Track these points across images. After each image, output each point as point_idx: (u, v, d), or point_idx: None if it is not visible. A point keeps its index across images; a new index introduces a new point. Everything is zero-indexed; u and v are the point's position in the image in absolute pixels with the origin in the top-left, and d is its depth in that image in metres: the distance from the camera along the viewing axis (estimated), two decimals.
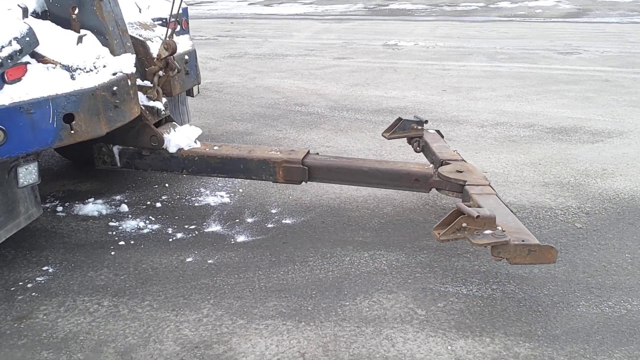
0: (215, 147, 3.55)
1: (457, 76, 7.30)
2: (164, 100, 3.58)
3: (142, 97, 3.44)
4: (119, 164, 3.60)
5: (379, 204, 3.75)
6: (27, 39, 2.66)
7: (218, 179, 4.19)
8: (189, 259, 3.08)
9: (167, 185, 4.09)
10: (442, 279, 2.86)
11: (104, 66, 2.98)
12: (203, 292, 2.76)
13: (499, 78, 7.25)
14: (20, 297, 2.72)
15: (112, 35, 3.17)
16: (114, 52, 3.15)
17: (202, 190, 4.00)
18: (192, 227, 3.45)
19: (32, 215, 2.94)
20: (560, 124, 5.38)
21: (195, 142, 3.58)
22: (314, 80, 7.41)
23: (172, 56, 3.45)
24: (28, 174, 2.70)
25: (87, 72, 2.87)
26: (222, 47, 9.64)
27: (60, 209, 3.68)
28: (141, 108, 3.33)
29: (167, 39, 3.37)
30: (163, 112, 3.54)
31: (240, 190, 4.01)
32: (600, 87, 6.68)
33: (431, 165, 3.45)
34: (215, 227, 3.46)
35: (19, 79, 2.65)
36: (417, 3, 15.47)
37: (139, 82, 3.43)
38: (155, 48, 3.52)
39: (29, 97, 2.60)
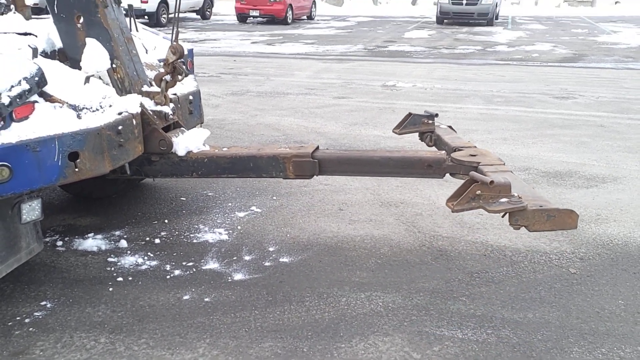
0: (225, 149, 3.54)
1: (454, 118, 7.41)
2: (172, 105, 3.56)
3: (149, 102, 3.44)
4: (128, 172, 3.53)
5: (375, 243, 3.79)
6: (36, 78, 2.74)
7: (217, 215, 4.23)
8: (186, 297, 3.10)
9: (166, 221, 4.12)
10: (437, 322, 2.88)
11: (110, 106, 3.06)
12: (199, 331, 2.78)
13: (495, 121, 7.36)
14: (17, 332, 2.73)
15: (118, 42, 3.25)
16: (120, 59, 3.21)
17: (201, 226, 4.04)
18: (190, 264, 3.48)
19: (33, 251, 2.98)
20: (555, 168, 5.46)
21: (204, 144, 3.57)
22: (313, 119, 7.51)
23: (179, 60, 3.42)
24: (31, 210, 2.74)
25: (93, 111, 2.94)
26: (225, 84, 9.80)
27: (60, 243, 3.71)
28: (149, 113, 3.34)
29: (174, 42, 3.38)
30: (171, 116, 3.52)
31: (239, 227, 4.05)
32: (595, 132, 6.79)
33: (443, 152, 3.40)
34: (212, 265, 3.48)
35: (27, 117, 2.73)
36: (415, 45, 15.75)
37: (145, 88, 3.46)
38: (157, 89, 3.59)
39: (36, 135, 2.67)
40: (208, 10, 23.55)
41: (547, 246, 3.78)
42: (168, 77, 3.44)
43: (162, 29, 18.16)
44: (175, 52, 3.37)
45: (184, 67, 3.46)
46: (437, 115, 3.80)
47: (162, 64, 3.97)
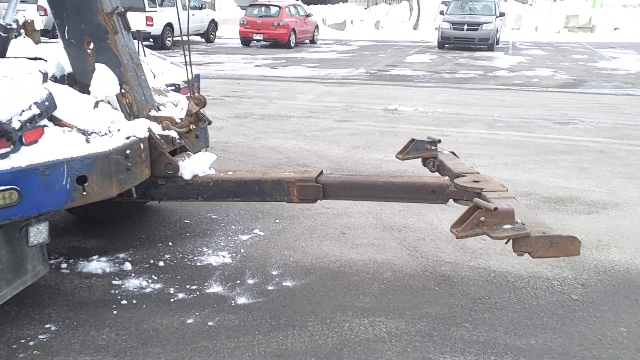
0: (230, 172, 3.58)
1: (455, 142, 7.46)
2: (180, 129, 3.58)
3: (157, 127, 3.48)
4: (134, 195, 3.56)
5: (379, 268, 3.80)
6: (46, 103, 2.79)
7: (220, 238, 4.25)
8: (189, 320, 3.11)
9: (170, 243, 4.15)
10: (441, 348, 2.89)
11: (118, 130, 3.11)
12: (203, 355, 2.79)
13: (496, 146, 7.41)
14: (22, 356, 2.74)
15: (127, 68, 3.31)
16: (129, 84, 3.27)
17: (205, 249, 4.06)
18: (194, 287, 3.50)
19: (38, 273, 3.00)
20: (556, 193, 5.49)
21: (209, 168, 3.62)
22: (316, 142, 7.57)
23: (201, 110, 3.50)
24: (39, 234, 2.77)
25: (101, 135, 2.99)
26: (228, 107, 9.88)
27: (64, 265, 3.73)
28: (156, 137, 3.38)
29: (196, 94, 3.48)
30: (178, 140, 3.57)
31: (242, 250, 4.07)
32: (595, 158, 6.83)
33: (447, 177, 3.46)
34: (216, 288, 3.50)
35: (36, 141, 2.78)
36: (417, 69, 15.89)
37: (153, 112, 3.51)
38: (168, 112, 3.64)
39: (45, 159, 2.71)
40: (212, 33, 23.79)
41: (549, 272, 3.79)
42: (192, 127, 3.53)
43: (166, 51, 18.36)
44: (198, 103, 3.47)
45: (206, 115, 3.55)
46: (439, 141, 3.85)
47: (170, 88, 4.04)
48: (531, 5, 37.06)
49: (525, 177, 6.06)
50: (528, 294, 3.48)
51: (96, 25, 3.18)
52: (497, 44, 23.10)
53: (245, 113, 9.45)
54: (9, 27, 3.35)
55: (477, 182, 3.18)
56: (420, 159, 3.92)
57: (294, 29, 21.92)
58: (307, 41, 24.10)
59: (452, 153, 3.89)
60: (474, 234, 2.52)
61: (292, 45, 21.90)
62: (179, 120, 3.57)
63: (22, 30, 3.80)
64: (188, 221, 4.61)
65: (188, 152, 3.73)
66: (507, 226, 2.49)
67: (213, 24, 23.74)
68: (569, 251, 2.48)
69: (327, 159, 6.71)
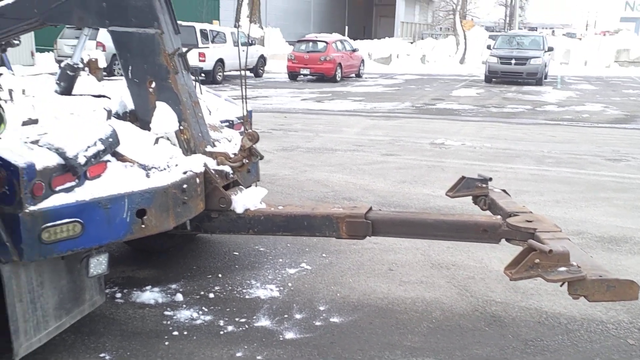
0: (280, 207, 3.65)
1: (504, 178, 7.38)
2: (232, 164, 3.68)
3: (212, 162, 3.58)
4: (188, 228, 3.65)
5: (427, 307, 3.77)
6: (110, 139, 2.92)
7: (268, 271, 4.31)
8: (238, 354, 3.15)
9: (220, 275, 4.22)
10: None
11: (176, 165, 3.23)
12: None
13: (546, 182, 7.29)
14: None
15: (186, 106, 3.45)
16: (187, 121, 3.40)
17: (253, 282, 4.11)
18: (243, 320, 3.54)
19: (95, 303, 3.11)
20: (609, 233, 5.35)
21: (260, 202, 3.69)
22: (362, 176, 7.60)
23: (254, 145, 3.62)
24: (98, 265, 2.88)
25: (160, 170, 3.11)
26: (276, 140, 10.05)
27: (119, 295, 3.84)
28: (211, 172, 3.48)
29: (250, 130, 3.59)
30: (231, 175, 3.67)
31: (290, 284, 4.10)
32: None
33: (499, 217, 3.43)
34: (264, 322, 3.53)
35: (99, 176, 2.90)
36: (463, 103, 15.84)
37: (208, 148, 3.63)
38: (222, 148, 3.75)
39: (107, 193, 2.83)
40: (261, 68, 24.34)
41: (603, 315, 3.68)
42: (245, 161, 3.64)
43: (217, 85, 18.87)
44: (251, 138, 3.58)
45: (258, 150, 3.65)
46: (490, 179, 3.84)
47: (225, 125, 4.17)
48: (580, 39, 36.62)
49: (576, 215, 5.93)
50: (582, 337, 3.39)
51: (158, 65, 3.34)
52: (546, 78, 22.84)
53: (292, 146, 9.58)
54: (76, 66, 3.55)
55: (530, 221, 3.15)
56: (470, 197, 3.90)
57: (340, 64, 22.22)
58: (353, 75, 24.36)
59: (504, 191, 3.86)
60: (529, 276, 2.50)
61: (338, 79, 22.17)
62: (232, 155, 3.67)
63: (86, 69, 4.00)
64: (237, 253, 4.69)
65: (240, 186, 3.83)
66: (563, 269, 2.46)
67: (262, 59, 24.30)
68: (627, 295, 2.42)
69: (374, 193, 6.73)
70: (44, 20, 3.47)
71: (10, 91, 3.06)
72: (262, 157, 3.72)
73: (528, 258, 2.50)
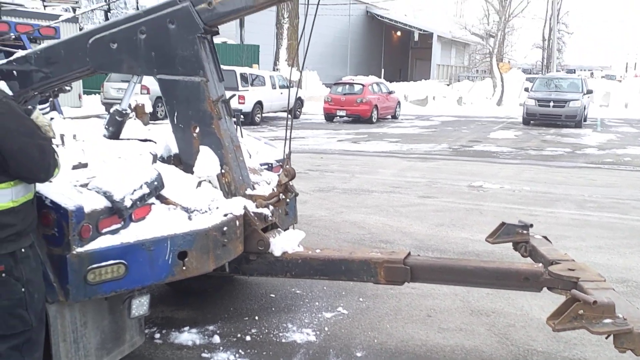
0: (318, 250, 3.67)
1: (544, 223, 7.25)
2: (271, 207, 3.73)
3: (251, 205, 3.63)
4: (227, 270, 3.70)
5: (467, 355, 3.70)
6: (155, 183, 3.01)
7: (304, 314, 4.29)
8: None
9: (256, 317, 4.23)
10: None
11: (217, 208, 3.29)
12: None
13: (588, 227, 7.13)
14: None
15: (228, 150, 3.54)
16: (229, 165, 3.48)
17: (290, 325, 4.11)
18: None
19: (135, 343, 3.15)
20: None
21: (298, 245, 3.71)
22: (398, 218, 7.57)
23: (290, 181, 3.67)
24: (140, 306, 2.93)
25: (202, 213, 3.17)
26: (312, 180, 10.13)
27: (157, 335, 3.88)
28: (251, 214, 3.53)
29: (287, 166, 3.66)
30: (270, 218, 3.71)
31: (326, 328, 4.08)
32: None
33: (540, 264, 3.37)
34: None
35: (143, 218, 2.98)
36: (501, 146, 15.71)
37: (248, 191, 3.69)
38: (261, 191, 3.81)
39: (151, 235, 2.90)
40: (298, 110, 24.71)
41: None
42: (282, 196, 3.69)
43: (255, 127, 19.21)
44: (287, 174, 3.65)
45: (294, 187, 3.71)
46: (531, 225, 3.79)
47: (264, 167, 4.25)
48: (620, 81, 36.15)
49: (620, 262, 5.77)
50: None
51: (203, 111, 3.45)
52: (585, 120, 22.53)
53: (328, 187, 9.63)
54: (124, 112, 3.69)
55: (573, 270, 3.09)
56: (511, 244, 3.86)
57: (376, 105, 22.40)
58: (389, 117, 24.49)
59: (545, 238, 3.81)
60: (572, 328, 2.44)
61: (374, 120, 22.31)
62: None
63: (133, 113, 4.14)
64: (273, 295, 4.70)
65: (278, 229, 3.87)
66: (608, 320, 2.40)
67: (299, 101, 24.67)
68: None
69: (411, 236, 6.69)
70: (96, 69, 3.63)
71: (62, 136, 3.20)
72: (297, 194, 3.78)
73: (572, 309, 2.45)
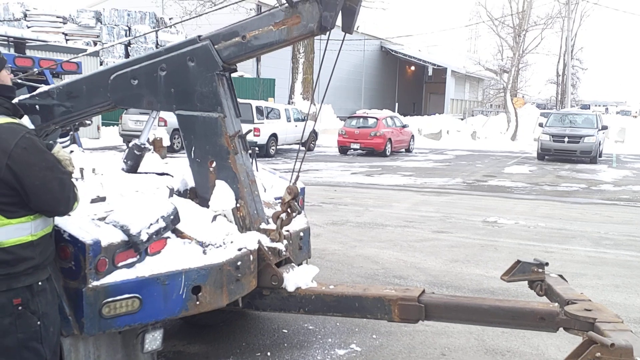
0: (331, 286, 3.64)
1: (560, 260, 7.17)
2: (285, 241, 3.74)
3: (265, 239, 3.64)
4: (240, 305, 3.67)
5: None
6: (172, 217, 3.04)
7: (317, 351, 4.26)
8: None
9: (268, 353, 4.20)
10: None
11: (232, 242, 3.31)
12: None
13: (604, 265, 7.04)
14: None
15: (243, 184, 3.57)
16: (244, 199, 3.50)
17: None
18: None
19: None
20: None
21: (312, 281, 3.70)
22: (412, 253, 7.53)
23: (294, 200, 3.66)
24: (153, 341, 2.93)
25: (217, 247, 3.19)
26: (326, 213, 10.13)
27: None
28: (265, 249, 3.54)
29: (291, 184, 3.66)
30: (284, 252, 3.71)
31: None
32: None
33: (556, 304, 3.33)
34: None
35: (159, 252, 3.00)
36: (516, 181, 15.64)
37: (263, 225, 3.70)
38: (273, 226, 3.83)
39: (166, 269, 2.92)
40: (312, 142, 24.87)
41: None
42: (284, 216, 3.69)
43: (270, 159, 19.34)
44: (290, 192, 3.65)
45: (298, 205, 3.71)
46: (547, 264, 3.76)
47: (278, 201, 4.27)
48: (635, 117, 36.00)
49: (638, 302, 5.67)
50: None
51: (219, 146, 3.50)
52: (600, 156, 22.42)
53: (341, 220, 9.63)
54: (143, 146, 3.76)
55: (590, 310, 3.05)
56: (526, 283, 3.82)
57: (390, 139, 22.48)
58: (403, 150, 24.55)
59: (560, 276, 3.77)
60: None
61: (388, 154, 22.37)
62: (286, 233, 3.74)
63: (151, 147, 4.21)
64: (286, 331, 4.67)
65: (292, 263, 3.87)
66: None
67: (313, 134, 24.84)
68: None
69: (425, 272, 6.64)
70: (116, 104, 3.71)
71: (81, 170, 3.25)
72: (300, 212, 3.75)
73: (589, 351, 2.41)
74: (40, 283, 2.48)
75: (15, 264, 2.37)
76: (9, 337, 2.39)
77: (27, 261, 2.41)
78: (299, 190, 3.76)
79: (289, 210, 3.69)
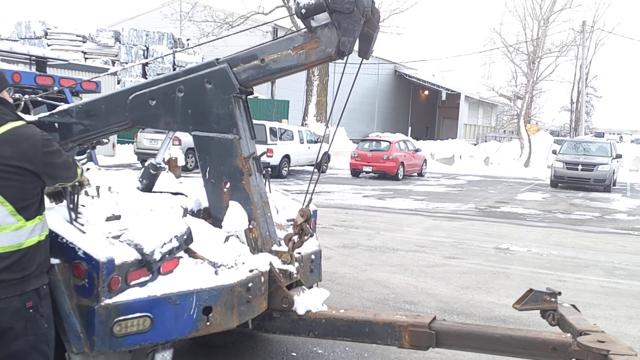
0: (342, 311, 3.63)
1: (573, 289, 7.09)
2: (296, 264, 3.75)
3: (277, 261, 3.65)
4: (250, 327, 3.67)
5: None
6: (185, 237, 3.06)
7: None
8: None
9: None
10: None
11: (243, 263, 3.32)
12: None
13: (618, 296, 6.95)
14: None
15: (256, 206, 3.59)
16: (257, 221, 3.51)
17: None
18: None
19: None
20: None
21: (322, 304, 3.68)
22: (423, 278, 7.48)
23: (306, 222, 3.67)
24: None
25: (228, 268, 3.20)
26: (337, 236, 10.12)
27: None
28: (276, 271, 3.54)
29: (304, 207, 3.67)
30: (295, 275, 3.70)
31: None
32: None
33: (569, 334, 3.29)
34: None
35: (171, 271, 3.02)
36: (529, 208, 15.55)
37: (275, 247, 3.71)
38: (285, 248, 3.84)
39: (178, 289, 2.94)
40: (325, 164, 24.94)
41: None
42: (296, 238, 3.70)
43: (282, 180, 19.41)
44: (303, 215, 3.66)
45: (310, 228, 3.72)
46: (560, 293, 3.73)
47: (290, 223, 4.28)
48: None
49: None
50: None
51: (234, 167, 3.54)
52: (614, 185, 22.25)
53: (352, 243, 9.60)
54: (158, 165, 3.80)
55: (603, 342, 3.03)
56: (539, 312, 3.79)
57: (402, 162, 22.49)
58: (415, 174, 24.53)
59: (573, 306, 3.74)
60: None
61: (400, 177, 22.35)
62: (297, 256, 3.75)
63: (166, 166, 4.25)
64: (295, 354, 4.64)
65: (303, 286, 3.86)
66: None
67: (326, 156, 24.92)
68: None
69: (436, 298, 6.59)
70: (134, 123, 3.77)
71: (97, 188, 3.29)
72: (312, 235, 3.75)
73: None
74: (44, 287, 2.58)
75: (29, 266, 2.47)
76: (21, 340, 2.45)
77: (37, 262, 2.50)
78: (312, 213, 3.78)
79: (301, 232, 3.70)
